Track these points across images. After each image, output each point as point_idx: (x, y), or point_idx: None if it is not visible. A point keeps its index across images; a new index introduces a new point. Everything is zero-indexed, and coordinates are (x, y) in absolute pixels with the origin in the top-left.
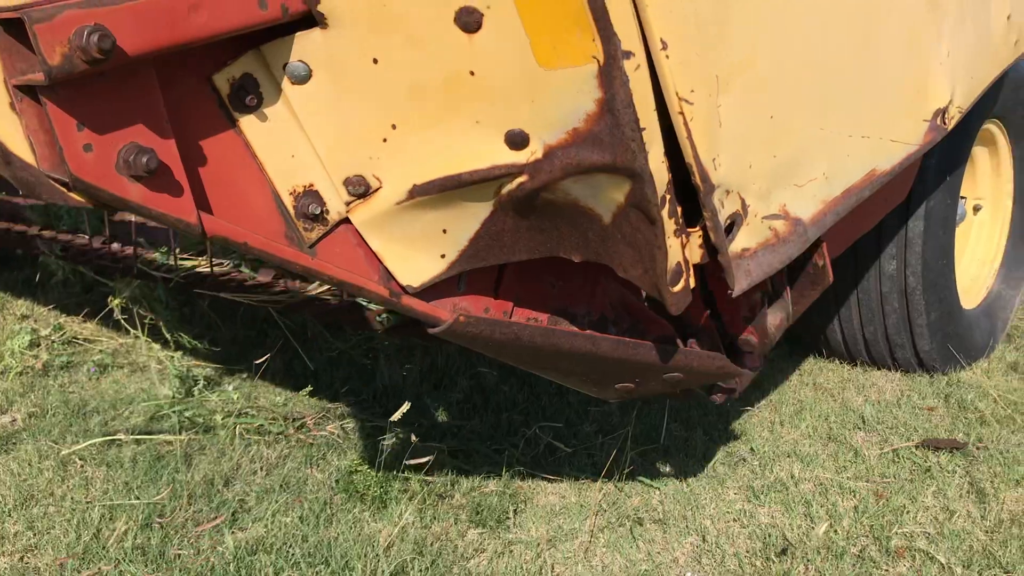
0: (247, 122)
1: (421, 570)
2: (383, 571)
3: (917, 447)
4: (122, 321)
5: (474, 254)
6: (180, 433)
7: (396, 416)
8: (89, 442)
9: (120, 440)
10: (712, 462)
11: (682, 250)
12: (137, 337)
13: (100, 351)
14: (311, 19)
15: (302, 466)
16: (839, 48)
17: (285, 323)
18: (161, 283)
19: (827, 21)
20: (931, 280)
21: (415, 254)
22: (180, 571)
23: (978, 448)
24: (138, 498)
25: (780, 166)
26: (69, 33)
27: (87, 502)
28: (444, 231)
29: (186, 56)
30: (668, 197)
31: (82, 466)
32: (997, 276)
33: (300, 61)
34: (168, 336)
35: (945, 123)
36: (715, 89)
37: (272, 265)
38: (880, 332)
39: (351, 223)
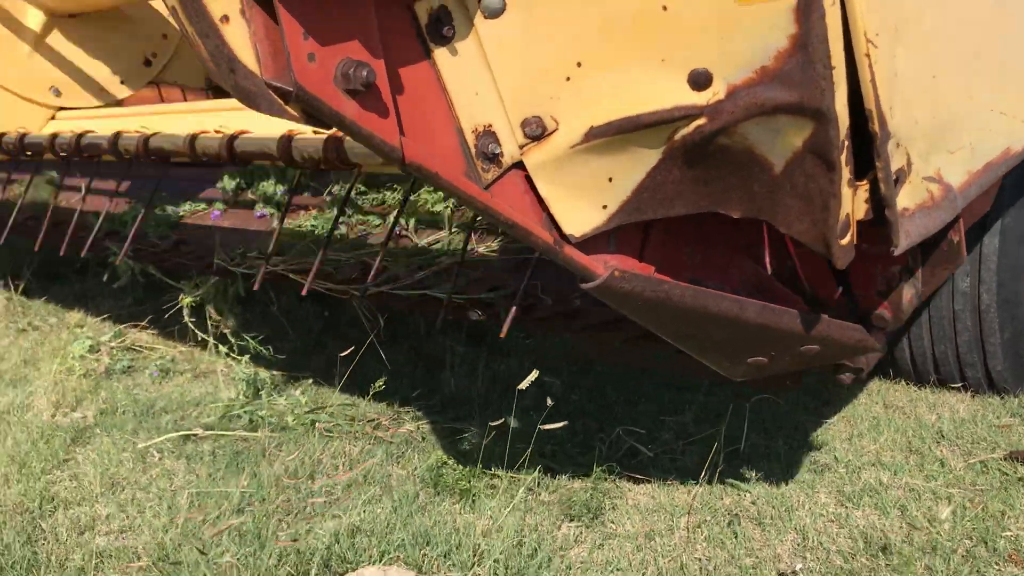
0: (441, 55)
1: (525, 556)
2: (488, 553)
3: (1004, 459)
4: (190, 324)
5: (635, 206)
6: (255, 431)
7: (524, 384)
8: (164, 437)
9: (196, 435)
10: (798, 468)
11: (851, 202)
12: (198, 343)
13: (160, 357)
14: None
15: (383, 463)
16: (987, 24)
17: (345, 332)
18: (240, 280)
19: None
20: (1005, 298)
21: (579, 202)
22: (281, 553)
23: None
24: (223, 487)
25: (938, 128)
26: None
27: (172, 490)
28: (610, 179)
29: None
30: (846, 144)
31: (160, 458)
32: None
33: None
34: (232, 340)
35: None
36: (894, 38)
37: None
38: (951, 351)
39: (521, 168)
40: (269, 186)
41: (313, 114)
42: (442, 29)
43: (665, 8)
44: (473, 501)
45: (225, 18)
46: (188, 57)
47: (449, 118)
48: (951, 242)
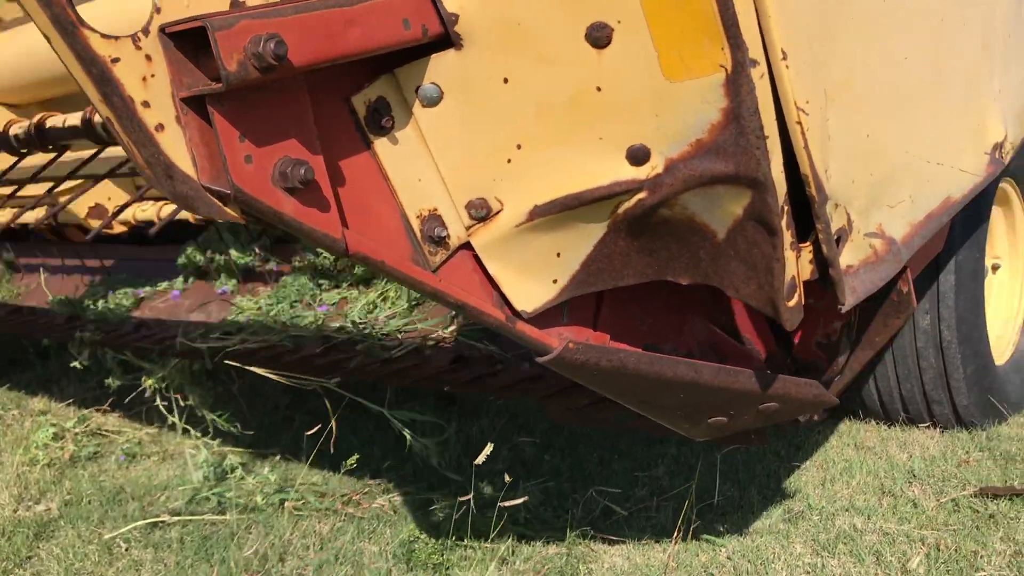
0: (381, 145)
1: None
2: None
3: (975, 496)
4: (160, 407)
5: (584, 279)
6: (224, 514)
7: (480, 459)
8: (131, 525)
9: (163, 522)
10: (772, 518)
11: (795, 264)
12: (166, 425)
13: (126, 440)
14: (445, 42)
15: (355, 539)
16: (916, 78)
17: (314, 406)
18: (203, 362)
19: (906, 52)
20: (965, 333)
21: (529, 279)
22: None
23: None
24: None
25: (876, 184)
26: (245, 41)
27: None
28: (558, 255)
29: (329, 77)
30: (786, 208)
31: (127, 549)
32: (1022, 333)
33: (432, 83)
34: (205, 417)
35: (1002, 157)
36: (824, 103)
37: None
38: (917, 388)
39: (468, 248)
40: (234, 257)
41: (252, 213)
42: (381, 120)
43: (599, 89)
44: (447, 575)
45: (160, 126)
46: None
47: (393, 205)
48: (900, 292)
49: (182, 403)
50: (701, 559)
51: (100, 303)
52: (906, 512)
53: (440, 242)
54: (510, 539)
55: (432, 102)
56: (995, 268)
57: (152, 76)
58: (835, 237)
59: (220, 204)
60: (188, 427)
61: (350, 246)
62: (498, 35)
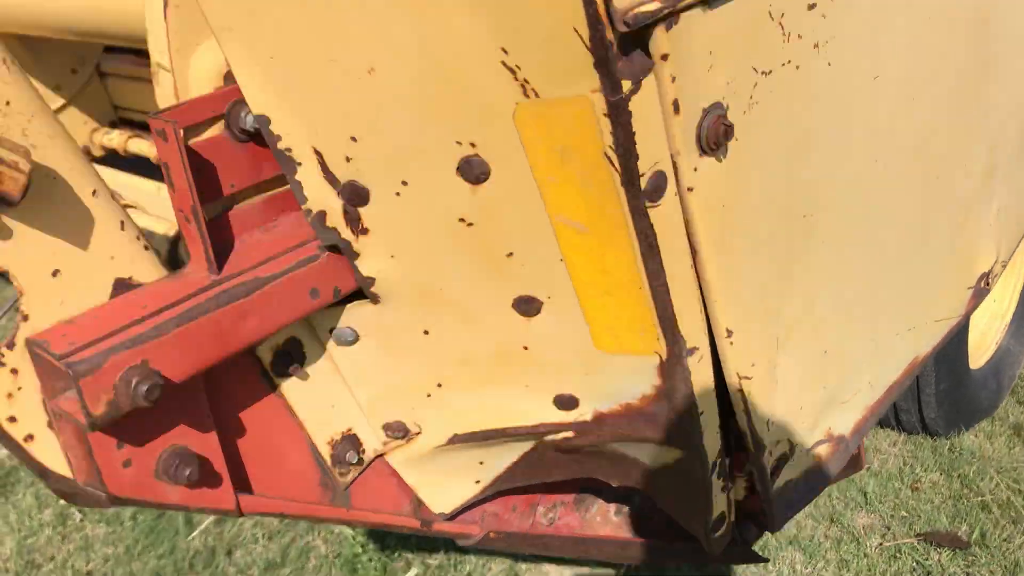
0: (288, 385)
1: None
2: None
3: (918, 540)
4: None
5: (509, 478)
6: None
7: None
8: None
9: None
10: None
11: (727, 497)
12: None
13: None
14: (360, 294)
15: (306, 533)
16: (893, 257)
17: None
18: None
19: (885, 241)
20: (942, 352)
21: (449, 484)
22: None
23: (980, 548)
24: (141, 563)
25: (829, 394)
26: (114, 379)
27: (88, 572)
28: (481, 463)
29: None
30: (718, 462)
31: (81, 521)
32: (1007, 332)
33: (348, 327)
34: None
35: (988, 284)
36: (774, 352)
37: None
38: None
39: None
40: None
41: (137, 506)
42: (288, 366)
43: (526, 348)
44: None
45: (29, 437)
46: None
47: (300, 438)
48: (853, 455)
49: None
50: None
51: None
52: (848, 553)
53: (354, 463)
54: (456, 550)
55: (348, 343)
56: None
57: (19, 390)
58: (774, 466)
59: (103, 497)
60: None
61: (243, 509)
62: (419, 297)
